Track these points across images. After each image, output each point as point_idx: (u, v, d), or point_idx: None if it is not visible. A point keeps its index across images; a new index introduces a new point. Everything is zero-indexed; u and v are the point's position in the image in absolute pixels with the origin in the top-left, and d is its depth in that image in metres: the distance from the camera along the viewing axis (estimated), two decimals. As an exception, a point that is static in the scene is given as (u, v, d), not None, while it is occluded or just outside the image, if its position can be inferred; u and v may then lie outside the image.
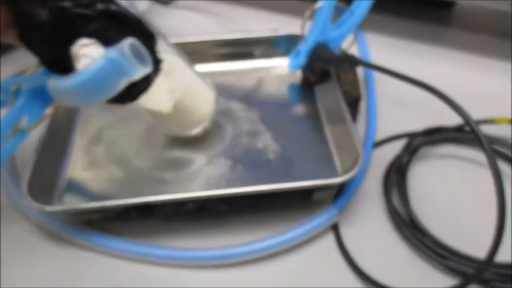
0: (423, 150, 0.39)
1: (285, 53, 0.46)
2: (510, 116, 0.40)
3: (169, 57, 0.34)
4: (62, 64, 0.25)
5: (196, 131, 0.37)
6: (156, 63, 0.28)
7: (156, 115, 0.35)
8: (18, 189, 0.36)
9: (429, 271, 0.32)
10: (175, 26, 0.57)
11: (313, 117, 0.41)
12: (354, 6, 0.41)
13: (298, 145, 0.38)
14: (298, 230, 0.33)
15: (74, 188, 0.35)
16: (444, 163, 0.39)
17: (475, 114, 0.32)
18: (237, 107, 0.42)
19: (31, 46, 0.25)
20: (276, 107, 0.42)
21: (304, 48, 0.41)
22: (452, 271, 0.32)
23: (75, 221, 0.34)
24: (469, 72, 0.49)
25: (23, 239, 0.34)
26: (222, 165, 0.36)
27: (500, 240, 0.26)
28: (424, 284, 0.31)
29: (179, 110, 0.35)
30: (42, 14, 0.24)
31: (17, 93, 0.31)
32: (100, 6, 0.24)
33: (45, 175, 0.34)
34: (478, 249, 0.30)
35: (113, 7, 0.25)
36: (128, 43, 0.24)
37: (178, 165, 0.36)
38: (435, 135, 0.40)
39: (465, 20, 0.57)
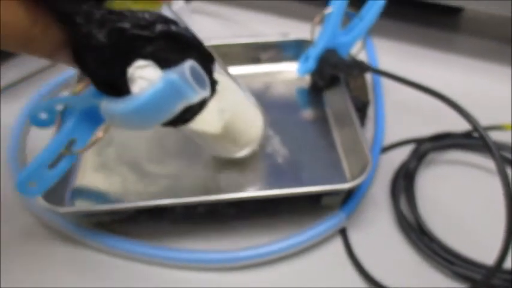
0: (431, 156, 0.40)
1: (294, 57, 0.46)
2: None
3: (220, 78, 0.31)
4: (117, 86, 0.24)
5: (243, 153, 0.36)
6: (213, 85, 0.26)
7: (204, 137, 0.34)
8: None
9: (437, 276, 0.32)
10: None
11: (322, 122, 0.41)
12: (363, 12, 0.41)
13: (307, 149, 0.38)
14: (307, 234, 0.33)
15: (85, 190, 0.36)
16: (452, 169, 0.39)
17: (484, 120, 0.32)
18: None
19: (86, 67, 0.24)
20: (284, 111, 0.42)
21: (313, 53, 0.41)
22: (460, 277, 0.32)
23: (87, 223, 0.34)
24: (477, 78, 0.49)
25: (34, 240, 0.35)
26: (231, 170, 0.37)
27: (509, 247, 0.26)
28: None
29: (228, 132, 0.34)
30: (100, 36, 0.23)
31: (64, 113, 0.31)
32: (160, 27, 0.23)
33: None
34: (486, 255, 0.30)
35: (174, 28, 0.24)
36: (189, 65, 0.23)
37: (186, 169, 0.37)
38: (443, 141, 0.40)
39: (473, 26, 0.57)
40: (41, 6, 0.22)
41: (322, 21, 0.41)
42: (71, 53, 0.23)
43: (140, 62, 0.23)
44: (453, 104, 0.31)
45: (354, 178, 0.33)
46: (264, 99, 0.44)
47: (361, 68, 0.40)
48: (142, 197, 0.34)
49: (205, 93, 0.24)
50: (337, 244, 0.34)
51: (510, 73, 0.50)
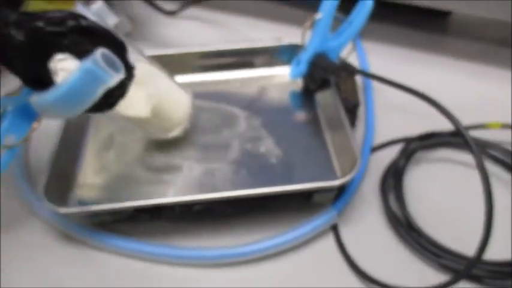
0: (418, 155, 0.41)
1: (287, 61, 0.48)
2: (506, 121, 0.41)
3: (142, 66, 0.36)
4: (43, 80, 0.27)
5: (175, 133, 0.40)
6: (129, 69, 0.29)
7: (136, 121, 0.37)
8: (33, 192, 0.38)
9: (424, 269, 0.34)
10: (179, 36, 0.59)
11: (314, 123, 0.43)
12: (352, 16, 0.43)
13: (299, 150, 0.40)
14: (300, 230, 0.34)
15: (87, 191, 0.37)
16: (439, 166, 0.41)
17: (471, 119, 0.33)
18: (240, 114, 0.44)
19: (11, 66, 0.27)
20: (277, 114, 0.44)
21: (304, 57, 0.43)
22: (446, 268, 0.33)
23: (89, 223, 0.36)
24: (465, 79, 0.51)
25: (37, 240, 0.36)
26: (226, 170, 0.38)
27: (488, 239, 0.28)
28: (419, 281, 0.33)
29: (157, 115, 0.37)
30: (19, 35, 0.25)
31: (3, 115, 0.33)
32: (71, 22, 0.26)
33: (60, 179, 0.36)
34: (471, 248, 0.31)
35: (83, 22, 0.27)
36: (100, 52, 0.26)
37: (184, 169, 0.38)
38: (430, 140, 0.41)
39: (461, 28, 0.59)
40: None
41: (312, 25, 0.43)
42: None
43: (59, 56, 0.27)
44: (436, 104, 0.33)
45: (343, 176, 0.35)
46: (259, 102, 0.45)
47: (349, 70, 0.42)
48: (141, 197, 0.35)
49: (119, 75, 0.27)
50: (329, 240, 0.36)
51: (498, 74, 0.51)
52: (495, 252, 0.32)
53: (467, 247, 0.33)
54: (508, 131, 0.41)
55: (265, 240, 0.34)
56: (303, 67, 0.43)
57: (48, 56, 0.27)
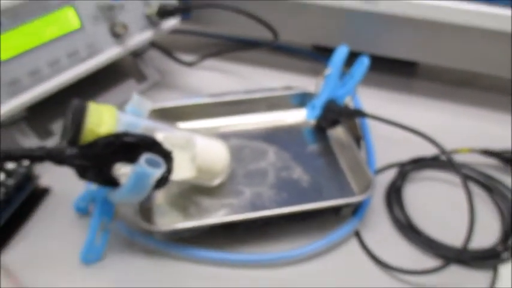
0: (411, 175, 0.54)
1: (299, 105, 0.60)
2: (472, 147, 0.55)
3: (181, 134, 0.47)
4: (112, 182, 0.39)
5: (219, 180, 0.49)
6: (169, 159, 0.39)
7: (186, 181, 0.47)
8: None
9: (422, 257, 0.46)
10: (199, 84, 0.70)
11: (329, 153, 0.55)
12: (352, 70, 0.55)
13: (323, 175, 0.51)
14: (335, 235, 0.46)
15: (163, 212, 0.47)
16: (427, 183, 0.54)
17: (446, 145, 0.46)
18: (268, 148, 0.55)
19: (89, 180, 0.39)
20: (299, 148, 0.55)
21: (318, 103, 0.55)
22: (439, 256, 0.45)
23: (169, 239, 0.45)
24: (436, 114, 0.65)
25: (125, 256, 0.45)
26: (270, 192, 0.49)
27: (471, 235, 0.40)
28: (419, 266, 0.44)
29: (202, 171, 0.46)
30: (89, 163, 0.37)
31: (95, 202, 0.44)
32: (118, 142, 0.37)
33: (144, 203, 0.45)
34: (457, 241, 0.44)
35: (126, 139, 0.37)
36: (144, 158, 0.36)
37: (239, 195, 0.49)
38: (419, 163, 0.54)
39: (428, 73, 0.73)
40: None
41: (323, 78, 0.55)
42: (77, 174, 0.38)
43: (118, 165, 0.38)
44: (426, 136, 0.46)
45: (361, 193, 0.47)
46: (280, 138, 0.57)
47: (354, 113, 0.54)
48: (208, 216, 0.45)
49: (161, 170, 0.37)
50: (352, 244, 0.47)
51: (462, 110, 0.65)
52: (475, 243, 0.44)
53: (453, 240, 0.46)
54: (474, 154, 0.55)
55: (309, 244, 0.45)
56: (317, 111, 0.55)
57: (109, 168, 0.38)
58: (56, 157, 0.36)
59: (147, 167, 0.36)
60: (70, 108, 0.38)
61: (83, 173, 0.38)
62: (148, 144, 0.38)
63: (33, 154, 0.36)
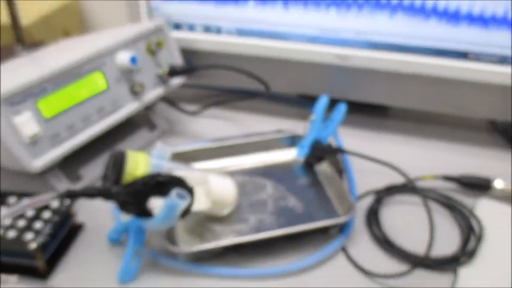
0: (386, 200, 0.65)
1: (289, 145, 0.71)
2: (436, 174, 0.66)
3: (197, 173, 0.58)
4: (146, 213, 0.47)
5: (228, 210, 0.58)
6: (192, 192, 0.48)
7: (201, 212, 0.56)
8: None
9: (396, 265, 0.55)
10: (202, 130, 0.81)
11: (317, 184, 0.65)
12: (333, 115, 0.67)
13: (313, 202, 0.62)
14: (326, 250, 0.56)
15: (184, 238, 0.57)
16: (399, 206, 0.64)
17: (412, 174, 0.57)
18: (266, 182, 0.66)
19: (128, 212, 0.47)
20: (291, 181, 0.66)
21: (306, 143, 0.67)
22: (409, 263, 0.55)
23: (190, 259, 0.55)
24: (404, 148, 0.76)
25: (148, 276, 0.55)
26: (271, 219, 0.59)
27: (432, 243, 0.51)
28: (394, 271, 0.53)
29: (215, 203, 0.56)
30: (130, 199, 0.46)
31: (128, 232, 0.54)
32: (153, 181, 0.46)
33: (169, 230, 0.55)
34: (423, 250, 0.54)
35: (159, 178, 0.46)
36: (174, 192, 0.45)
37: (245, 222, 0.59)
38: (392, 190, 0.65)
39: (398, 113, 0.86)
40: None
41: (309, 123, 0.67)
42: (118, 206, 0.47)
43: (152, 199, 0.46)
44: (394, 167, 0.57)
45: (345, 215, 0.58)
46: (275, 173, 0.68)
47: (341, 151, 0.65)
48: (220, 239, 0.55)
49: (187, 201, 0.46)
50: (338, 258, 0.57)
51: (426, 143, 0.77)
52: (439, 251, 0.55)
53: (422, 250, 0.56)
54: (438, 180, 0.66)
55: (306, 258, 0.55)
56: (306, 150, 0.67)
57: (145, 201, 0.47)
58: (106, 194, 0.46)
59: (177, 199, 0.46)
60: (112, 156, 0.48)
61: (124, 207, 0.48)
62: (176, 182, 0.48)
63: (89, 193, 0.46)
